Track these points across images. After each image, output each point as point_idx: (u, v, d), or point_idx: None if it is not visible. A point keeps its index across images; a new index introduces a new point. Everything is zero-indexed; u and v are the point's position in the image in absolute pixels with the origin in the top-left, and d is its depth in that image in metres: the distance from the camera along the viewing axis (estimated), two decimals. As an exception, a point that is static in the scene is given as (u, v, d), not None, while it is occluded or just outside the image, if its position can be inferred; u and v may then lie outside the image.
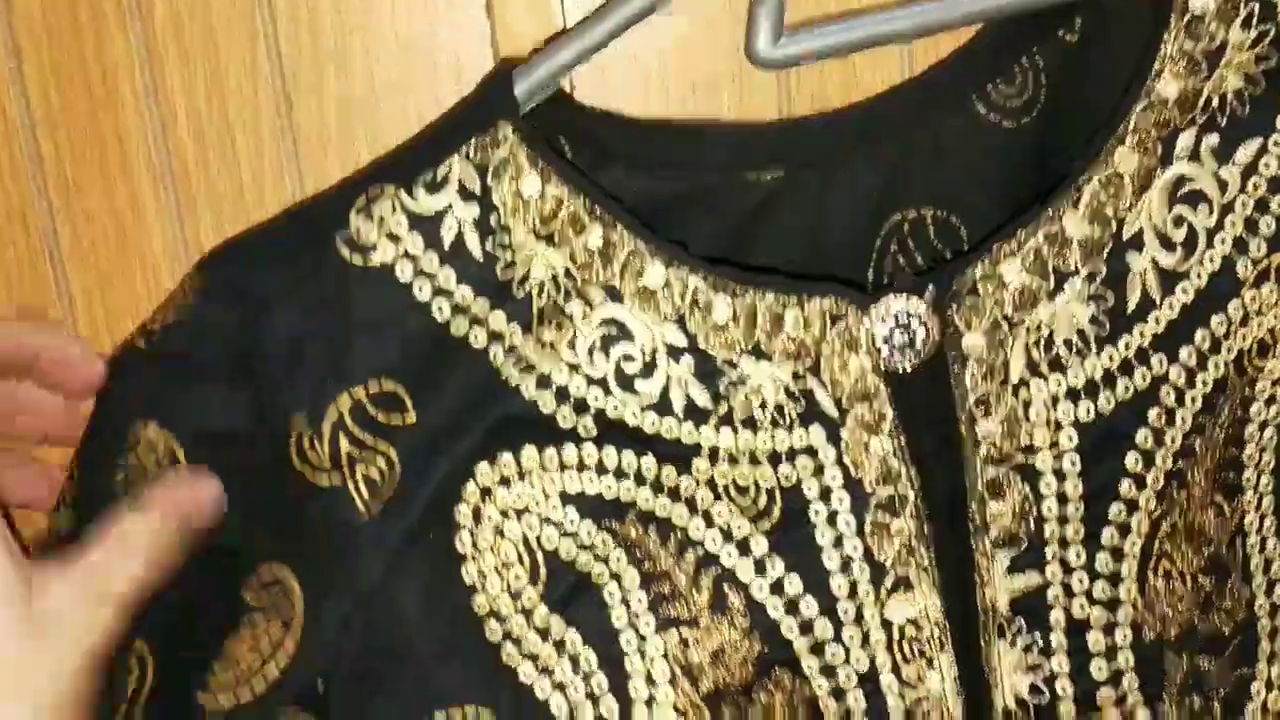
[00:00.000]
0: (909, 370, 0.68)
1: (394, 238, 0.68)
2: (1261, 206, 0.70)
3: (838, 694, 0.70)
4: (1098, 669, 0.71)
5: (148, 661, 0.68)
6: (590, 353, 0.68)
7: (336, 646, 0.68)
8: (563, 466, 0.69)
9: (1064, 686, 0.71)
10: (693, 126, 0.77)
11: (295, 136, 0.79)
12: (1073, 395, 0.70)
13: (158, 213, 0.79)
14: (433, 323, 0.68)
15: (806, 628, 0.69)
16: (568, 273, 0.68)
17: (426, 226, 0.68)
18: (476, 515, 0.68)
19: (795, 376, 0.69)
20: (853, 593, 0.69)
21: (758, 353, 0.69)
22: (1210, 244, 0.70)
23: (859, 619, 0.69)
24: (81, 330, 0.80)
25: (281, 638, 0.68)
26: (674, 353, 0.69)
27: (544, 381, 0.68)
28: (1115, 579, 0.70)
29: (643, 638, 0.69)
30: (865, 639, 0.70)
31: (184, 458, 0.68)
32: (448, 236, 0.68)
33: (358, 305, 0.67)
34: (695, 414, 0.69)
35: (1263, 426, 0.72)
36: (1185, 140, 0.69)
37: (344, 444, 0.67)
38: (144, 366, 0.68)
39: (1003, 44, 0.74)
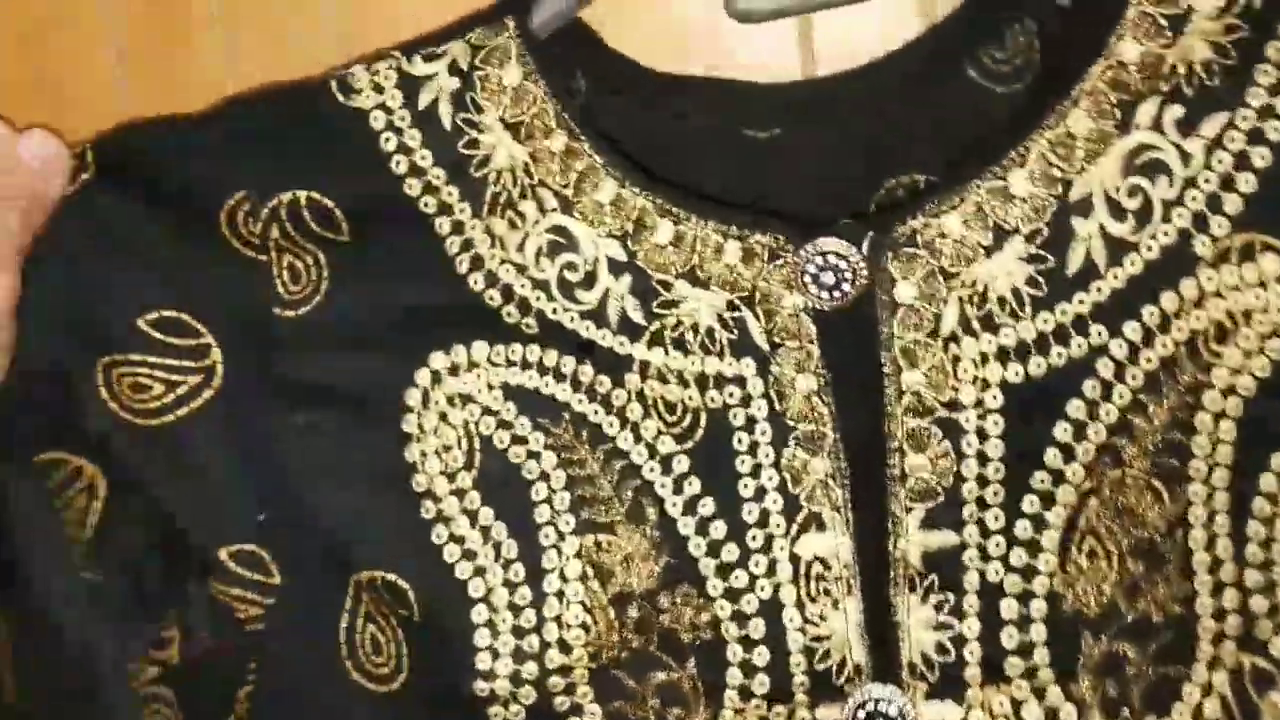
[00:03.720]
0: (834, 310, 0.70)
1: (378, 88, 0.74)
2: (1227, 183, 0.68)
3: (739, 618, 0.71)
4: (1008, 637, 0.70)
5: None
6: (537, 257, 0.72)
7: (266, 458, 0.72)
8: (508, 362, 0.72)
9: (972, 650, 0.70)
10: (701, 81, 0.80)
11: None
12: (1003, 355, 0.69)
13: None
14: (390, 174, 0.73)
15: (714, 549, 0.71)
16: (526, 168, 0.72)
17: (409, 87, 0.73)
18: (425, 398, 0.72)
19: (730, 306, 0.71)
20: (763, 521, 0.71)
21: (694, 278, 0.71)
22: (1167, 217, 0.69)
23: (767, 548, 0.71)
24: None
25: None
26: (615, 267, 0.72)
27: (492, 278, 0.72)
28: (1034, 548, 0.70)
29: (561, 535, 0.72)
30: (771, 568, 0.71)
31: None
32: (424, 99, 0.73)
33: (326, 134, 0.73)
34: (629, 328, 0.72)
35: (1219, 418, 0.69)
36: (1148, 108, 0.68)
37: (274, 231, 0.72)
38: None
39: (994, 6, 0.74)
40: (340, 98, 0.74)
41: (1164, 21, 0.68)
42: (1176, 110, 0.68)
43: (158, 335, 0.72)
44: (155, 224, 0.72)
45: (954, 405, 0.70)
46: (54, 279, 0.72)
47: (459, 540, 0.73)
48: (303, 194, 0.73)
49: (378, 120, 0.73)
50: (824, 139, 0.77)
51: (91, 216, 0.73)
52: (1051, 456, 0.69)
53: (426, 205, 0.73)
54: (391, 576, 0.72)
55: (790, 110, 0.77)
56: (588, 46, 0.78)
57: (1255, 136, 0.68)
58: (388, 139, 0.73)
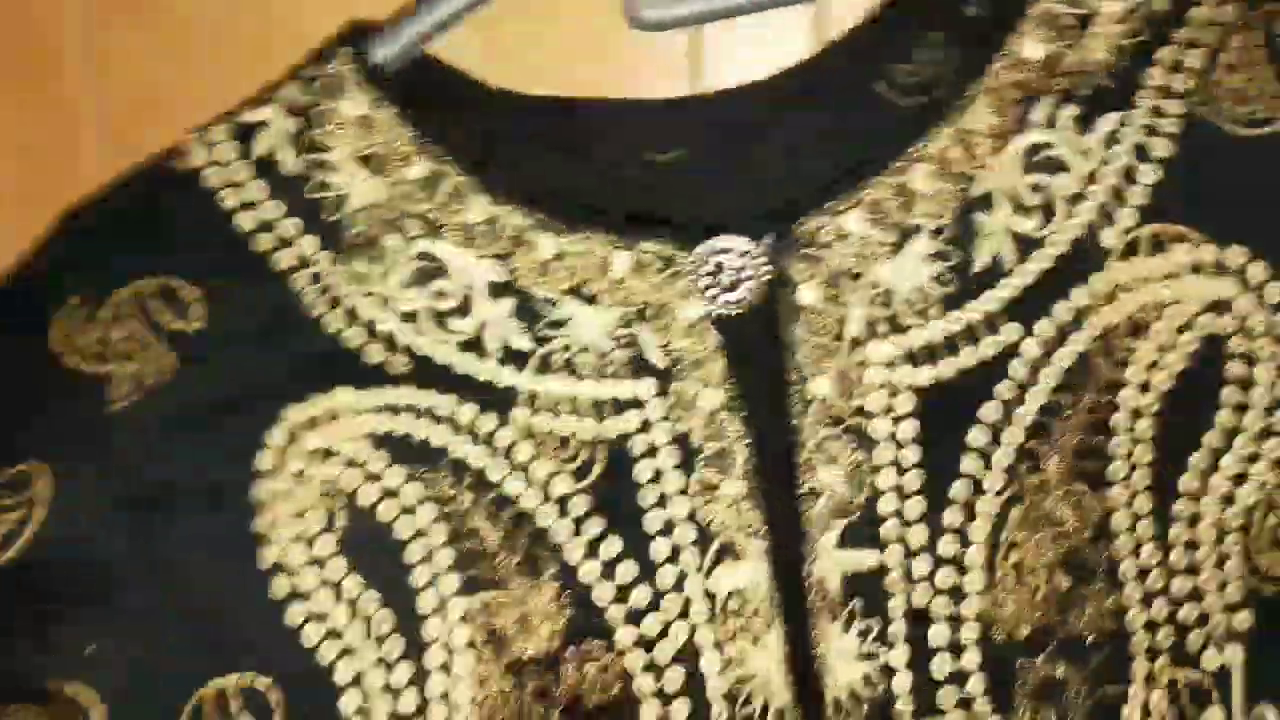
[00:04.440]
0: (735, 316, 0.65)
1: (208, 144, 0.67)
2: (1129, 174, 0.67)
3: (653, 670, 0.64)
4: (939, 666, 0.65)
5: None
6: (404, 287, 0.66)
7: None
8: (376, 408, 0.65)
9: (901, 683, 0.65)
10: (594, 104, 0.73)
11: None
12: (912, 358, 0.66)
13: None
14: (236, 234, 0.66)
15: (623, 594, 0.65)
16: (388, 201, 0.66)
17: (241, 136, 0.67)
18: (279, 460, 0.65)
19: (623, 323, 0.66)
20: (674, 557, 0.65)
21: (582, 295, 0.66)
22: (1071, 213, 0.66)
23: (679, 586, 0.65)
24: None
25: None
26: (494, 290, 0.66)
27: (352, 315, 0.66)
28: (960, 566, 0.65)
29: (443, 600, 0.65)
30: (685, 609, 0.65)
31: None
32: (260, 147, 0.67)
33: (164, 211, 0.66)
34: (513, 357, 0.66)
35: (1135, 416, 0.66)
36: (1043, 107, 0.66)
37: (115, 333, 0.65)
38: None
39: (902, 23, 0.72)
40: (171, 165, 0.67)
41: (1069, 22, 0.67)
42: (1071, 109, 0.66)
43: None
44: None
45: (864, 413, 0.65)
46: None
47: (320, 618, 0.65)
48: (144, 283, 0.66)
49: (211, 178, 0.67)
50: (726, 156, 0.72)
51: None
52: (969, 463, 0.65)
53: (278, 261, 0.66)
54: (240, 679, 0.64)
55: (692, 129, 0.72)
56: (435, 70, 0.72)
57: (1150, 131, 0.67)
58: (224, 197, 0.66)
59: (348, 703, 0.64)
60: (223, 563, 0.65)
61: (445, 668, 0.64)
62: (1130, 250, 0.66)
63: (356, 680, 0.64)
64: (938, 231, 0.66)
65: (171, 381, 0.65)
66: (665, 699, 0.64)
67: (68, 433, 0.65)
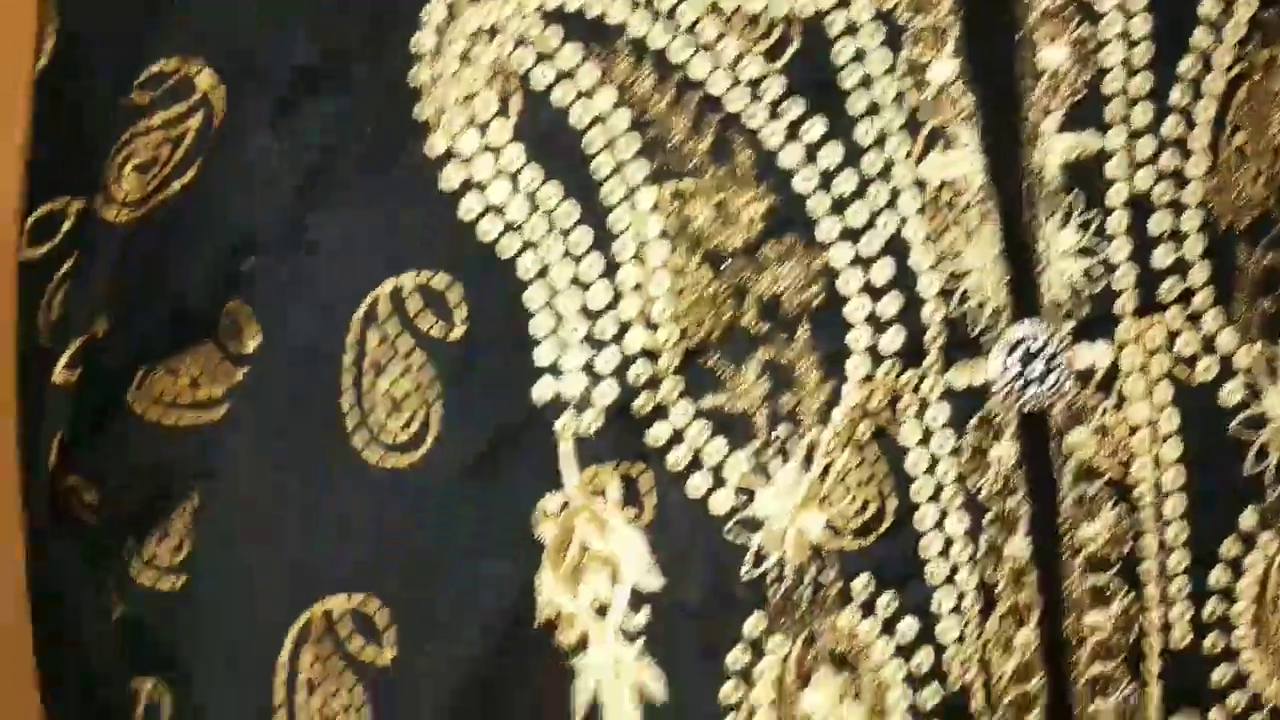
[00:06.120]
0: None
1: None
2: None
3: (859, 264, 0.59)
4: (1161, 256, 0.60)
5: None
6: None
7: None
8: None
9: (1123, 275, 0.60)
10: None
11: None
12: None
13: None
14: None
15: (826, 180, 0.59)
16: None
17: None
18: (439, 39, 0.58)
19: None
20: (880, 142, 0.59)
21: None
22: None
23: (886, 174, 0.59)
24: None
25: None
26: None
27: None
28: (1184, 148, 0.60)
29: (631, 189, 0.58)
30: (893, 199, 0.59)
31: None
32: None
33: None
34: None
35: None
36: None
37: None
38: None
39: None
40: None
41: None
42: None
43: None
44: None
45: None
46: None
47: (498, 211, 0.58)
48: None
49: None
50: None
51: None
52: (1199, 37, 0.60)
53: None
54: (416, 278, 0.58)
55: None
56: None
57: None
58: None
59: (533, 297, 0.58)
60: (381, 161, 0.58)
61: (639, 259, 0.58)
62: None
63: (542, 273, 0.58)
64: None
65: None
66: (874, 294, 0.59)
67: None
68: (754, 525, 0.59)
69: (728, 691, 0.59)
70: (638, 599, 0.58)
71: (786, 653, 0.59)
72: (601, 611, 0.59)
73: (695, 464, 0.59)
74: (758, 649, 0.59)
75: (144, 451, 0.61)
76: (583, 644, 0.58)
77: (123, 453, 0.61)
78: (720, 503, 0.59)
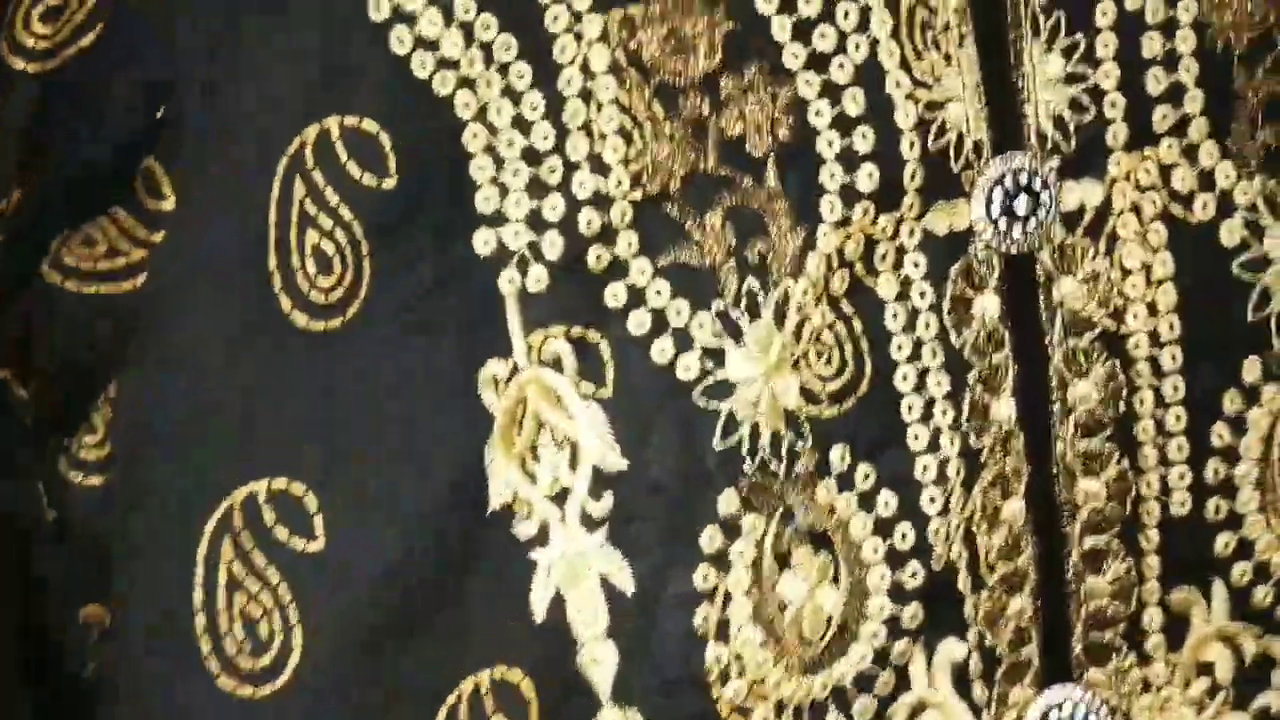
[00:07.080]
0: None
1: None
2: None
3: (830, 91, 0.53)
4: (1154, 81, 0.55)
5: None
6: None
7: None
8: None
9: (1113, 103, 0.55)
10: None
11: None
12: None
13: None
14: None
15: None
16: None
17: None
18: None
19: None
20: None
21: None
22: None
23: None
24: None
25: None
26: None
27: None
28: None
29: (576, 15, 0.52)
30: (864, 20, 0.53)
31: None
32: None
33: None
34: None
35: None
36: None
37: None
38: None
39: None
40: None
41: None
42: None
43: None
44: None
45: None
46: None
47: (431, 45, 0.52)
48: None
49: None
50: None
51: None
52: None
53: None
54: (342, 121, 0.51)
55: None
56: None
57: None
58: None
59: (471, 138, 0.52)
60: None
61: (586, 95, 0.51)
62: None
63: (480, 116, 0.51)
64: None
65: None
66: (846, 126, 0.53)
67: None
68: (724, 391, 0.52)
69: (700, 578, 0.52)
70: (600, 482, 0.52)
71: (762, 534, 0.53)
72: (561, 498, 0.52)
73: (659, 327, 0.52)
74: (732, 530, 0.53)
75: (64, 332, 0.55)
76: (543, 537, 0.52)
77: (45, 334, 0.55)
78: (687, 367, 0.52)
